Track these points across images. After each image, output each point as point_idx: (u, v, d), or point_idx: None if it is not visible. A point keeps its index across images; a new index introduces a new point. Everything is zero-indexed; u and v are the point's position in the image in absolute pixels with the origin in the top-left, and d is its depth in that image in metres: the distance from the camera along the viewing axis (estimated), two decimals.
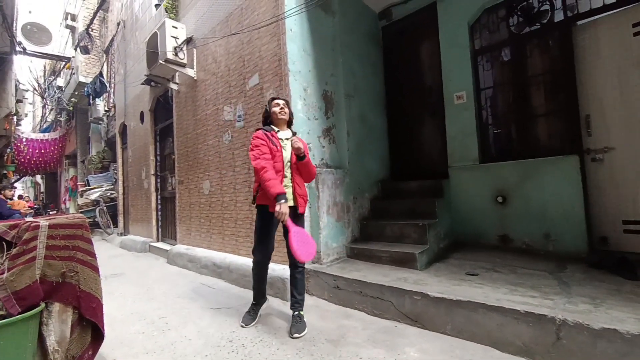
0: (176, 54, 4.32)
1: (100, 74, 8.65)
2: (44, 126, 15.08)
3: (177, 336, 2.23)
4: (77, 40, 9.92)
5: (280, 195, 2.02)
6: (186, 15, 4.76)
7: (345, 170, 3.44)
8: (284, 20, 3.05)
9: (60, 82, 11.93)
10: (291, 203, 2.23)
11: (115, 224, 7.92)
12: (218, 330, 2.27)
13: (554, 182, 3.02)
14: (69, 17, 10.61)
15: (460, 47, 3.68)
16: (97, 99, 9.25)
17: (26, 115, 14.06)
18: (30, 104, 16.19)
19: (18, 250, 1.41)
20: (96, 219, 7.95)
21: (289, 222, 2.04)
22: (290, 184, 2.24)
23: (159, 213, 5.87)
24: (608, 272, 2.38)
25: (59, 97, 11.99)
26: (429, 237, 2.95)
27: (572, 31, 3.09)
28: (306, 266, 2.64)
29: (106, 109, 9.44)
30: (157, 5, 5.70)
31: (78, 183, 10.99)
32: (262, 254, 2.32)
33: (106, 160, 9.64)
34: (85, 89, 9.13)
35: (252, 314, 2.37)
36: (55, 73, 12.76)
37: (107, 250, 6.31)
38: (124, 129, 7.48)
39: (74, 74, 10.43)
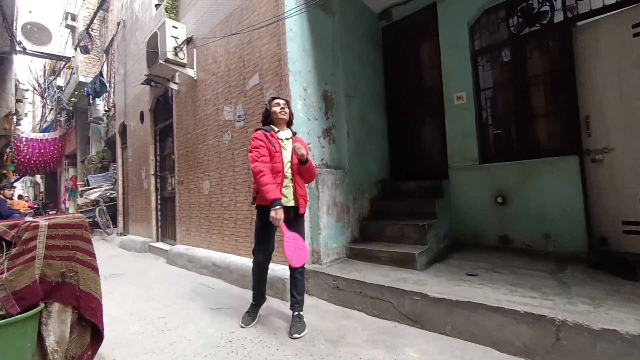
0: (176, 54, 4.32)
1: (100, 73, 8.65)
2: (44, 126, 15.08)
3: (177, 336, 2.22)
4: (77, 40, 9.91)
5: (276, 201, 2.04)
6: (186, 15, 4.76)
7: (345, 170, 3.44)
8: (284, 21, 3.05)
9: (60, 81, 11.92)
10: (292, 203, 2.24)
11: (115, 224, 7.91)
12: (218, 331, 2.27)
13: (554, 182, 3.02)
14: (69, 16, 10.60)
15: (460, 48, 3.69)
16: (97, 99, 9.25)
17: (26, 115, 14.07)
18: (30, 103, 16.18)
19: (17, 250, 1.41)
20: (96, 219, 7.94)
21: (284, 227, 2.07)
22: (291, 184, 2.25)
23: (159, 213, 5.86)
24: (608, 273, 2.38)
25: (58, 97, 11.98)
26: (428, 238, 2.95)
27: (572, 32, 3.09)
28: (306, 266, 2.64)
29: (106, 108, 9.43)
30: (157, 5, 5.70)
31: (78, 183, 10.98)
32: (262, 255, 2.32)
33: (106, 160, 9.63)
34: (85, 88, 9.13)
35: (251, 315, 2.37)
36: (55, 73, 12.76)
37: (106, 250, 6.30)
38: (123, 129, 7.48)
39: (73, 73, 10.42)
